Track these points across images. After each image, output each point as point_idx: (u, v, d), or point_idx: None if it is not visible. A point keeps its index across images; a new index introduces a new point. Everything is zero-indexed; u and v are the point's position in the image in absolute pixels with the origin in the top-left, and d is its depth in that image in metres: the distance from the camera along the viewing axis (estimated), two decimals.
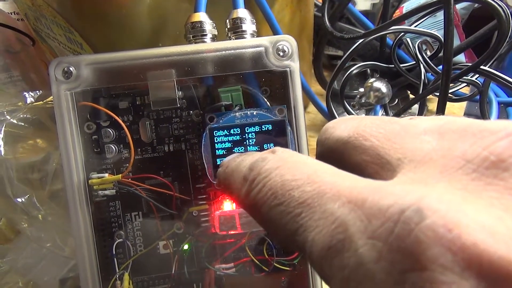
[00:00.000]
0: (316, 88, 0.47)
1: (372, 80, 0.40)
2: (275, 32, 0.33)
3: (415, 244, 0.08)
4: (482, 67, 0.30)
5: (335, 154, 0.14)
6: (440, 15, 0.49)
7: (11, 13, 0.46)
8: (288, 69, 0.23)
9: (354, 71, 0.38)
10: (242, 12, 0.25)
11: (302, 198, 0.11)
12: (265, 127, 0.23)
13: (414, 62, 0.39)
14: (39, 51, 0.44)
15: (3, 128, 0.24)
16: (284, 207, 0.12)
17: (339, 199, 0.11)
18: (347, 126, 0.14)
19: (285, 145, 0.23)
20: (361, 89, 0.42)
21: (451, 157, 0.10)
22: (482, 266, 0.08)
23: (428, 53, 0.40)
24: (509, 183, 0.09)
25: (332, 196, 0.11)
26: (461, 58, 0.49)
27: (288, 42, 0.23)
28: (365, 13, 0.55)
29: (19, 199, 0.24)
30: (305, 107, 0.50)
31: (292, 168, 0.13)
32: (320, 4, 0.49)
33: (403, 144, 0.12)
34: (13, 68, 0.42)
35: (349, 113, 0.40)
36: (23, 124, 0.27)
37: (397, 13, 0.58)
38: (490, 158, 0.10)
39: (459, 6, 0.52)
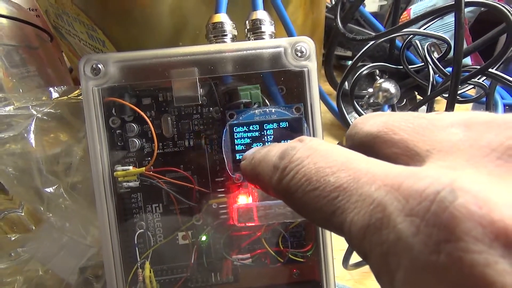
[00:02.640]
0: (324, 87, 0.48)
1: (381, 80, 0.41)
2: (289, 33, 0.33)
3: (450, 219, 0.09)
4: (490, 69, 0.31)
5: (365, 147, 0.15)
6: (447, 18, 0.50)
7: (28, 9, 0.47)
8: (305, 69, 0.24)
9: (364, 72, 0.39)
10: (261, 14, 0.26)
11: (338, 183, 0.12)
12: (283, 124, 0.24)
13: (422, 63, 0.40)
14: (56, 47, 0.45)
15: (33, 122, 0.25)
16: (320, 192, 0.13)
17: (375, 182, 0.12)
18: (376, 121, 0.15)
19: None
20: (370, 89, 0.43)
21: (478, 147, 0.11)
22: (508, 238, 0.09)
23: (436, 55, 0.41)
24: None
25: (367, 180, 0.12)
26: (467, 60, 0.50)
27: (306, 43, 0.24)
28: (373, 15, 0.56)
29: (47, 190, 0.25)
30: None
31: (324, 156, 0.14)
32: (330, 6, 0.50)
33: (432, 137, 0.13)
34: (30, 64, 0.43)
35: (358, 112, 0.41)
36: (46, 118, 0.29)
37: (404, 15, 0.59)
38: None
39: (465, 9, 0.53)
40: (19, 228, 0.33)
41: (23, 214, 0.32)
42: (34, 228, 0.33)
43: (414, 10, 0.58)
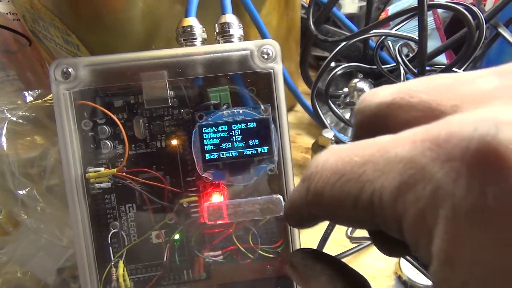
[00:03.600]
0: (303, 88, 0.49)
1: (356, 80, 0.42)
2: (262, 35, 0.34)
3: (494, 156, 0.08)
4: (455, 69, 0.32)
5: (378, 119, 0.13)
6: None
7: (7, 14, 0.47)
8: (272, 70, 0.25)
9: (338, 72, 0.40)
10: (230, 18, 0.27)
11: (363, 159, 0.11)
12: (251, 124, 0.25)
13: (395, 63, 0.41)
14: (35, 52, 0.45)
15: (5, 126, 0.26)
16: (346, 176, 0.12)
17: (402, 144, 0.10)
18: (388, 90, 0.13)
19: (269, 141, 0.25)
20: (346, 89, 0.44)
21: None
22: None
23: (410, 54, 0.42)
24: None
25: (394, 146, 0.10)
26: (442, 59, 0.51)
27: (272, 45, 0.25)
28: (352, 16, 0.57)
29: (20, 192, 0.25)
30: (293, 107, 0.52)
31: (348, 148, 0.12)
32: (307, 6, 0.51)
33: (458, 92, 0.11)
34: (9, 68, 0.44)
35: (333, 112, 0.42)
36: (22, 121, 0.29)
37: (383, 16, 0.60)
38: None
39: (441, 10, 0.54)
40: None
41: (1, 217, 0.32)
42: (12, 231, 0.33)
43: (392, 11, 0.59)
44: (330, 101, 0.40)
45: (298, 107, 0.51)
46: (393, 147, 0.10)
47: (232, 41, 0.26)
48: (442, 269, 0.09)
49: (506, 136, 0.08)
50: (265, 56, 0.25)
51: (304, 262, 0.18)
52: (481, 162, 0.08)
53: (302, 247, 0.26)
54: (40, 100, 0.29)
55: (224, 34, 0.26)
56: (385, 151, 0.11)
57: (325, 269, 0.17)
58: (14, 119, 0.28)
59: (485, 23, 0.34)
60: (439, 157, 0.09)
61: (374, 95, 0.14)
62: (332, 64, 0.44)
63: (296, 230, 0.26)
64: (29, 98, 0.29)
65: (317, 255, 0.18)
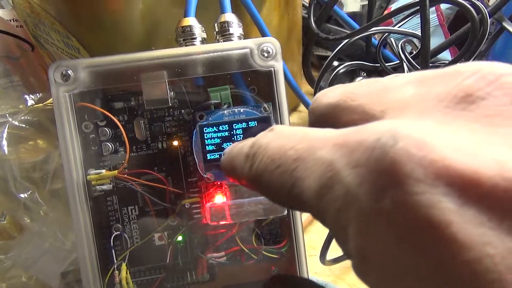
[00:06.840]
0: (306, 88, 0.49)
1: (359, 79, 0.42)
2: (263, 34, 0.34)
3: (390, 164, 0.09)
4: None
5: (326, 119, 0.15)
6: None
7: (10, 20, 0.47)
8: (272, 68, 0.25)
9: (341, 70, 0.39)
10: (229, 16, 0.26)
11: (296, 154, 0.12)
12: (252, 123, 0.25)
13: (399, 61, 0.41)
14: (38, 57, 0.46)
15: (6, 129, 0.26)
16: (282, 168, 0.13)
17: (327, 145, 0.12)
18: (335, 92, 0.15)
19: None
20: None
21: (427, 100, 0.12)
22: (450, 176, 0.09)
23: (414, 52, 0.42)
24: (475, 113, 0.10)
25: (322, 146, 0.12)
26: (446, 55, 0.50)
27: (271, 43, 0.25)
28: (354, 14, 0.57)
29: (22, 195, 0.25)
30: (296, 107, 0.52)
31: (287, 136, 0.14)
32: (308, 5, 0.51)
33: (386, 98, 0.13)
34: (13, 73, 0.44)
35: None
36: (24, 125, 0.29)
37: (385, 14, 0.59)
38: (459, 94, 0.11)
39: (444, 6, 0.54)
40: (3, 236, 0.33)
41: (5, 222, 0.32)
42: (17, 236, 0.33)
43: (394, 8, 0.58)
44: None
45: (302, 107, 0.51)
46: (320, 147, 0.12)
47: (232, 40, 0.26)
48: (360, 264, 0.10)
49: (401, 147, 0.09)
50: (265, 54, 0.25)
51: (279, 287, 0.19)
52: (380, 169, 0.10)
53: (304, 247, 0.26)
54: (41, 104, 0.29)
55: (224, 33, 0.26)
56: (314, 151, 0.12)
57: None
58: (16, 123, 0.28)
59: (489, 17, 0.33)
60: (350, 162, 0.10)
61: (323, 96, 0.15)
62: (335, 63, 0.44)
63: (300, 230, 0.26)
64: (30, 102, 0.29)
65: (292, 280, 0.20)
